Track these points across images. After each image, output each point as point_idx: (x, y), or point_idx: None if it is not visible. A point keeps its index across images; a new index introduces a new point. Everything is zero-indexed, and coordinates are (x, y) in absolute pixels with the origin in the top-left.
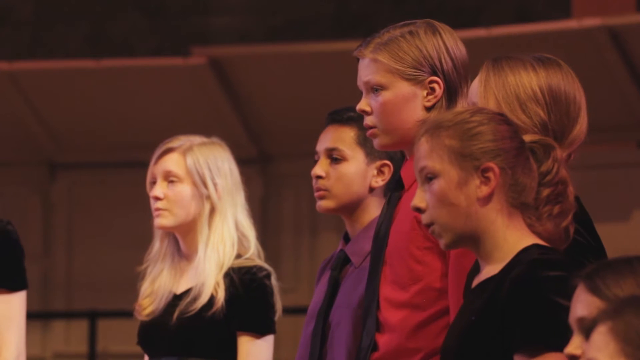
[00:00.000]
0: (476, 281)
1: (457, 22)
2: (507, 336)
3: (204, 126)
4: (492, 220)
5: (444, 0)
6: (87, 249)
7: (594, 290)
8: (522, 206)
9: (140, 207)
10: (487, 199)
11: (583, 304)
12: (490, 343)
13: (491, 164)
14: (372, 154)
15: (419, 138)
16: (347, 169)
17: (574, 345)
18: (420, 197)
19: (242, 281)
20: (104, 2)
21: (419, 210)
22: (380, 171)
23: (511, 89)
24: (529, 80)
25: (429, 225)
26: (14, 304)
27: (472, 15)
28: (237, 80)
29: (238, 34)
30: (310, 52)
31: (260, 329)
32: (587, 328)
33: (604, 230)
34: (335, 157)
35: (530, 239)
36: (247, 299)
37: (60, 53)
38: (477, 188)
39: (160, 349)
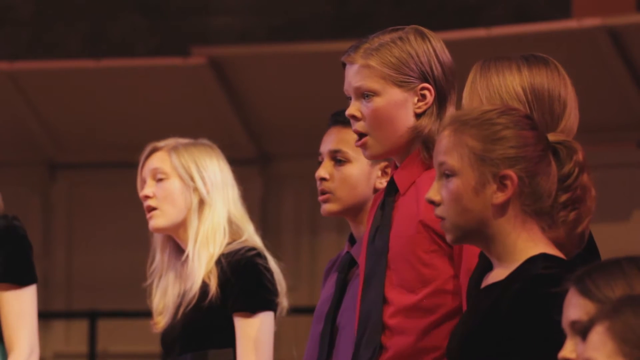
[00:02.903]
0: (485, 282)
1: (457, 22)
2: (507, 350)
3: (204, 126)
4: (504, 227)
5: (444, 0)
6: (87, 249)
7: (586, 293)
8: (536, 213)
9: (140, 207)
10: (502, 206)
11: (575, 307)
12: (491, 352)
13: (510, 172)
14: None
15: (441, 130)
16: (351, 171)
17: (568, 349)
18: (435, 190)
19: (230, 263)
20: (104, 2)
21: (433, 202)
22: (384, 172)
23: (494, 89)
24: (511, 80)
25: (440, 218)
26: (24, 299)
27: (472, 15)
28: (237, 80)
29: (238, 34)
30: (310, 52)
31: (250, 307)
32: (583, 330)
33: (604, 230)
34: (339, 159)
35: (539, 247)
36: (236, 279)
37: (60, 53)
38: (493, 194)
39: (175, 351)
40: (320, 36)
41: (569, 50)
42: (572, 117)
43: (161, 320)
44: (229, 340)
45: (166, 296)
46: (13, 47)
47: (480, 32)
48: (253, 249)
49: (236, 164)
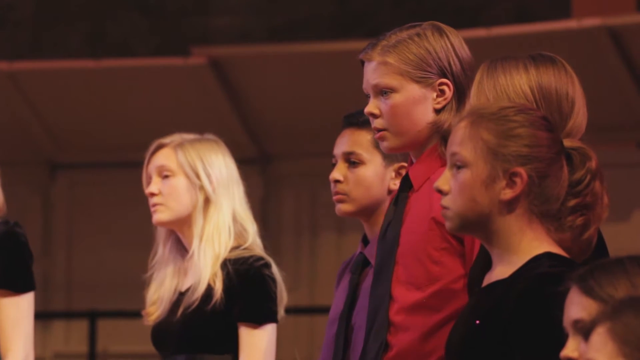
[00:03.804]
0: (487, 280)
1: (457, 22)
2: (510, 348)
3: (204, 126)
4: (509, 224)
5: (444, 0)
6: (87, 249)
7: (588, 291)
8: (543, 214)
9: (141, 207)
10: (509, 203)
11: (578, 306)
12: (492, 350)
13: (520, 170)
14: (389, 157)
15: (457, 122)
16: (365, 173)
17: (571, 348)
18: (445, 180)
19: (238, 272)
20: (104, 2)
21: (440, 191)
22: (398, 173)
23: (502, 89)
24: (519, 80)
25: (444, 207)
26: (21, 305)
27: (472, 15)
28: (237, 80)
29: (238, 34)
30: (310, 52)
31: (258, 319)
32: (585, 330)
33: (604, 231)
34: (353, 161)
35: (544, 246)
36: (244, 289)
37: (60, 53)
38: (501, 190)
39: (169, 348)
40: (320, 36)
41: (569, 50)
42: (580, 116)
43: (154, 312)
44: (227, 346)
45: (162, 287)
46: (13, 47)
47: (480, 32)
48: (261, 258)
49: (236, 164)
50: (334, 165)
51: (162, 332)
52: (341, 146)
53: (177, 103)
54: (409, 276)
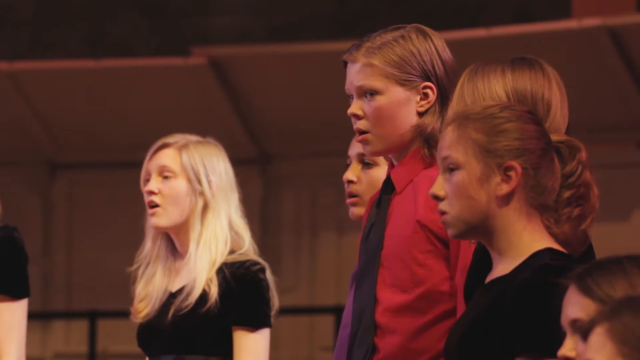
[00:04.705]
0: (488, 278)
1: (457, 22)
2: (509, 339)
3: (204, 126)
4: (509, 219)
5: (444, 0)
6: (87, 249)
7: (586, 291)
8: (541, 207)
9: (140, 207)
10: (506, 198)
11: (576, 305)
12: (492, 344)
13: (514, 163)
14: None
15: (445, 127)
16: (378, 174)
17: (568, 347)
18: (439, 185)
19: (235, 275)
20: (104, 2)
21: (437, 198)
22: None
23: (479, 93)
24: (495, 84)
25: (442, 213)
26: (17, 311)
27: (472, 15)
28: (237, 80)
29: (238, 34)
30: (310, 52)
31: (254, 323)
32: (583, 329)
33: (604, 230)
34: (366, 162)
35: (544, 242)
36: (241, 293)
37: (60, 53)
38: (497, 185)
39: (157, 348)
40: (320, 36)
41: (569, 50)
42: (557, 117)
43: (142, 309)
44: (218, 349)
45: (150, 284)
46: (13, 47)
47: (480, 32)
48: (257, 263)
49: (236, 164)
50: (348, 165)
51: (151, 333)
52: (356, 147)
53: (177, 103)
54: (394, 279)
